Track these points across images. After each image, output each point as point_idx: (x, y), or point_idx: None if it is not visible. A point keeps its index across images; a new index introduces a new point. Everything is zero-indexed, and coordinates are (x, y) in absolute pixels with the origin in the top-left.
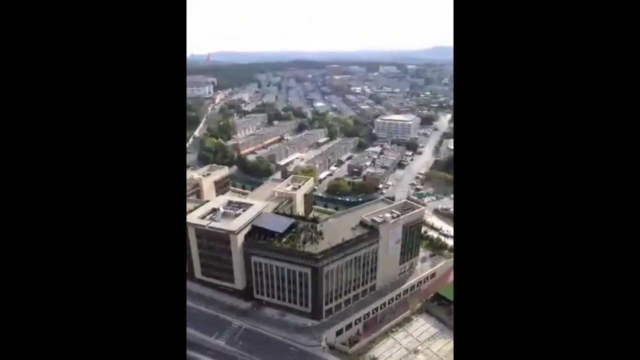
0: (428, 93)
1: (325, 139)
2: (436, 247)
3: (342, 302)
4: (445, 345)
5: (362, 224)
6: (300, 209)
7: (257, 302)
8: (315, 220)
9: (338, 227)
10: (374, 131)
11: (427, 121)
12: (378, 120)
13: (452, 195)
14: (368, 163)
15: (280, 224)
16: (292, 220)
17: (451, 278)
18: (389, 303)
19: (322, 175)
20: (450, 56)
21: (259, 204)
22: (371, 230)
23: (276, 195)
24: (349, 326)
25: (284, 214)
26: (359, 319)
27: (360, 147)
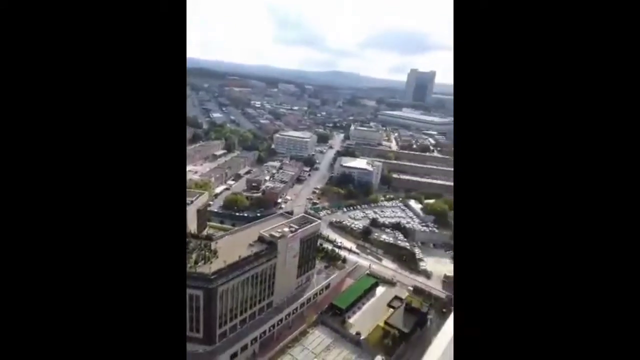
0: (324, 113)
1: (223, 151)
2: (331, 259)
3: (238, 322)
4: (338, 355)
5: (261, 239)
6: (192, 226)
7: None
8: (209, 237)
9: (235, 244)
10: (273, 146)
11: (323, 139)
12: (277, 135)
13: (345, 209)
14: (267, 177)
15: None
16: None
17: (344, 287)
18: (285, 318)
19: (218, 190)
20: (344, 80)
21: None
22: (269, 246)
23: None
24: (244, 347)
25: None
26: (255, 339)
27: (260, 161)
